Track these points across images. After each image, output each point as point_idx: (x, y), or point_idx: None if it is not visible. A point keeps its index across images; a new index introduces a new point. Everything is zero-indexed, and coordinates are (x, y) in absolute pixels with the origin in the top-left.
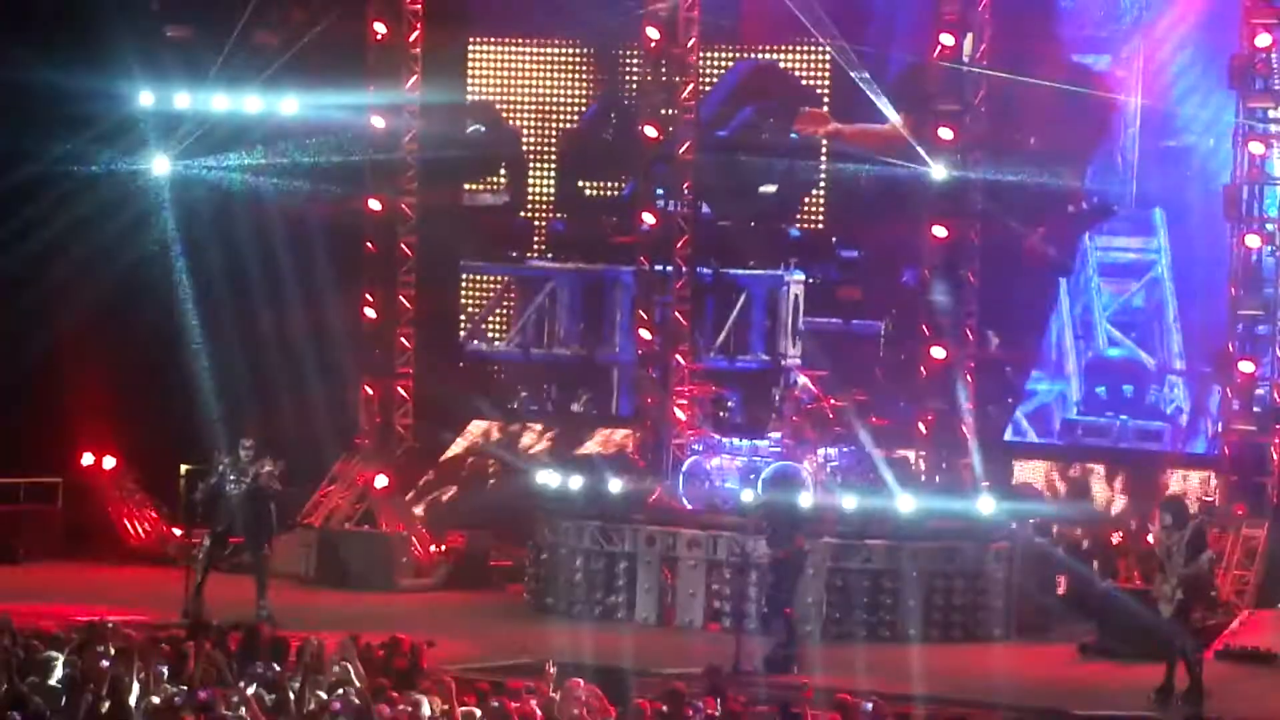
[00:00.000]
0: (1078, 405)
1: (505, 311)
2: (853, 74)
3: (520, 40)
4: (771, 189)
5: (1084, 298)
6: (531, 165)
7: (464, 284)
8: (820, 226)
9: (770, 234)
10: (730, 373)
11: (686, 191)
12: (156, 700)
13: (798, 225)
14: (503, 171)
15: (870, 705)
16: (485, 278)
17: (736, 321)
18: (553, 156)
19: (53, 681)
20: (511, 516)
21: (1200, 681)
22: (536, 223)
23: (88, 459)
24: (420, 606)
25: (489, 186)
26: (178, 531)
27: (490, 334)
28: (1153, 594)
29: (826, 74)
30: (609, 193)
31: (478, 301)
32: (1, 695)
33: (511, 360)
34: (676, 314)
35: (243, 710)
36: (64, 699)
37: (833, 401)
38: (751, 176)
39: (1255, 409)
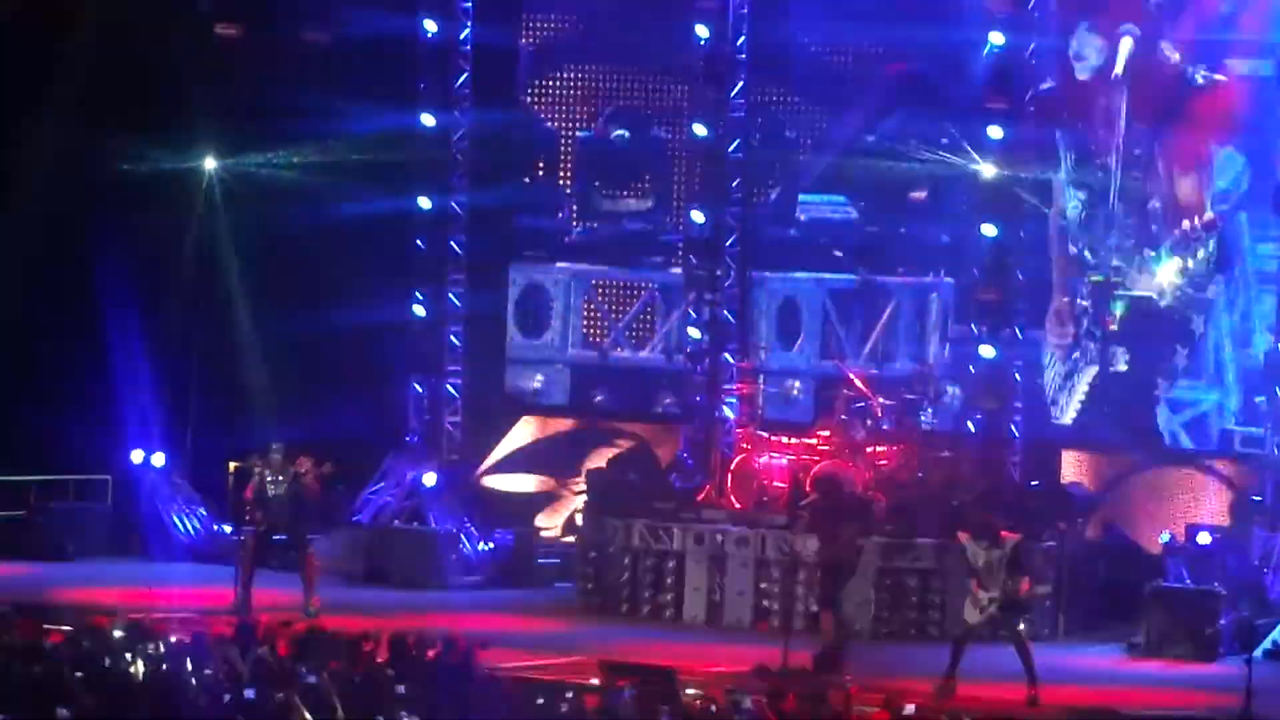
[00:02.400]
0: (1236, 415)
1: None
2: None
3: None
4: (921, 195)
5: (1242, 304)
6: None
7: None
8: None
9: (920, 240)
10: (877, 379)
11: (735, 190)
12: (206, 699)
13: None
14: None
15: (914, 707)
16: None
17: (885, 328)
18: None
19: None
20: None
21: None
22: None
23: (137, 456)
24: (469, 605)
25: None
26: (226, 529)
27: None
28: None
29: None
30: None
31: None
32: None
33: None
34: (725, 312)
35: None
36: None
37: (882, 400)
38: (902, 182)
39: None
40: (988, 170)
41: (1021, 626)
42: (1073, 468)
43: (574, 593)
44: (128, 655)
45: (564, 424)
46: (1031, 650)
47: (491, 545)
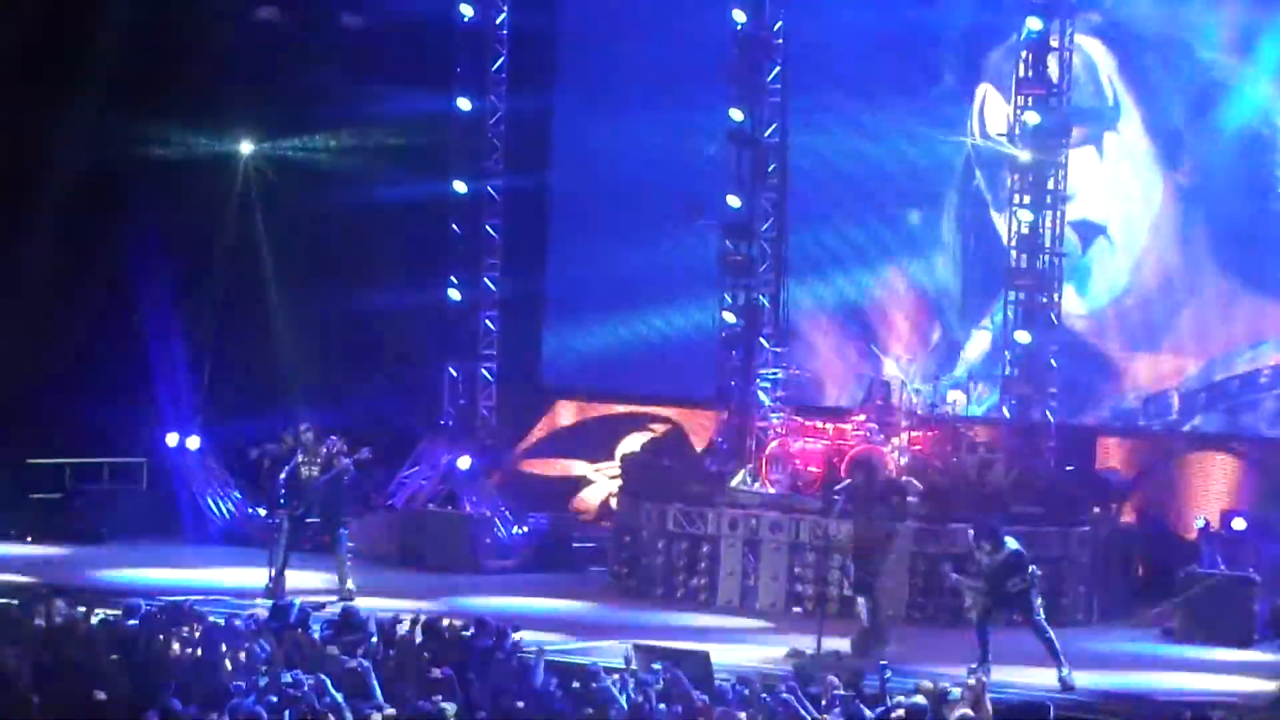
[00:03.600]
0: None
1: None
2: None
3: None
4: None
5: None
6: None
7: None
8: None
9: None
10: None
11: (771, 174)
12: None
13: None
14: None
15: (956, 690)
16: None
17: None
18: None
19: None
20: None
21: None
22: None
23: (172, 439)
24: (503, 588)
25: None
26: (261, 512)
27: None
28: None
29: None
30: None
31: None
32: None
33: None
34: (760, 296)
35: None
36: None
37: (915, 387)
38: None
39: None
40: (1023, 155)
41: (1041, 614)
42: (1107, 453)
43: (608, 576)
44: (163, 637)
45: (599, 408)
46: (1051, 631)
47: (526, 529)
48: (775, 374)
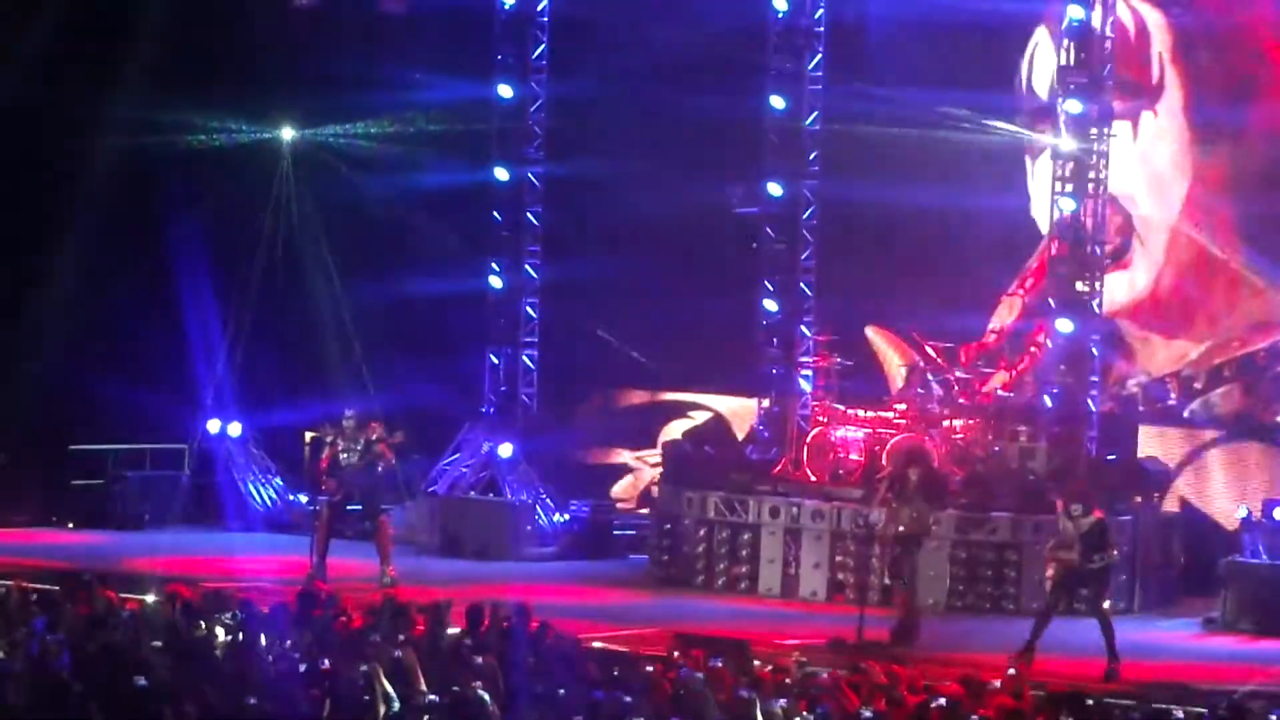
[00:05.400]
0: None
1: None
2: None
3: None
4: None
5: None
6: None
7: None
8: None
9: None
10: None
11: (812, 161)
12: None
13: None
14: None
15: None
16: None
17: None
18: None
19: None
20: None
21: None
22: None
23: (214, 426)
24: (544, 575)
25: None
26: (302, 499)
27: None
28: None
29: None
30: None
31: None
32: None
33: None
34: (802, 285)
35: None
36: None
37: (958, 374)
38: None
39: None
40: (1066, 144)
41: (1106, 604)
42: (1149, 442)
43: (649, 564)
44: (204, 624)
45: (640, 395)
46: (1114, 626)
47: (567, 517)
48: (817, 362)
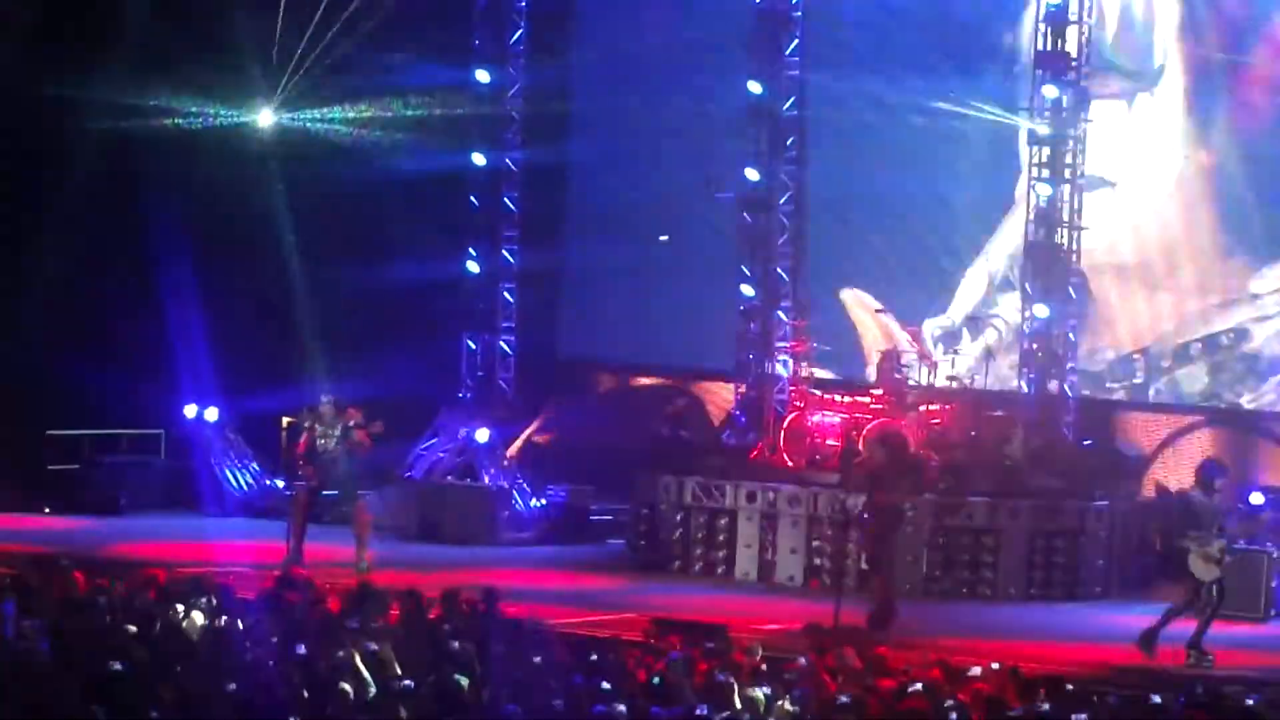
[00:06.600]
0: None
1: None
2: None
3: None
4: None
5: None
6: None
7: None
8: None
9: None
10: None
11: (789, 147)
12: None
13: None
14: None
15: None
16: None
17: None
18: None
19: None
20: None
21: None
22: None
23: (191, 411)
24: (521, 560)
25: None
26: (279, 484)
27: None
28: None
29: None
30: None
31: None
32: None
33: None
34: (778, 269)
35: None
36: (168, 651)
37: (934, 360)
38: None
39: None
40: (1041, 129)
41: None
42: (1126, 428)
43: (626, 549)
44: (180, 609)
45: (616, 381)
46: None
47: (544, 502)
48: (793, 347)
